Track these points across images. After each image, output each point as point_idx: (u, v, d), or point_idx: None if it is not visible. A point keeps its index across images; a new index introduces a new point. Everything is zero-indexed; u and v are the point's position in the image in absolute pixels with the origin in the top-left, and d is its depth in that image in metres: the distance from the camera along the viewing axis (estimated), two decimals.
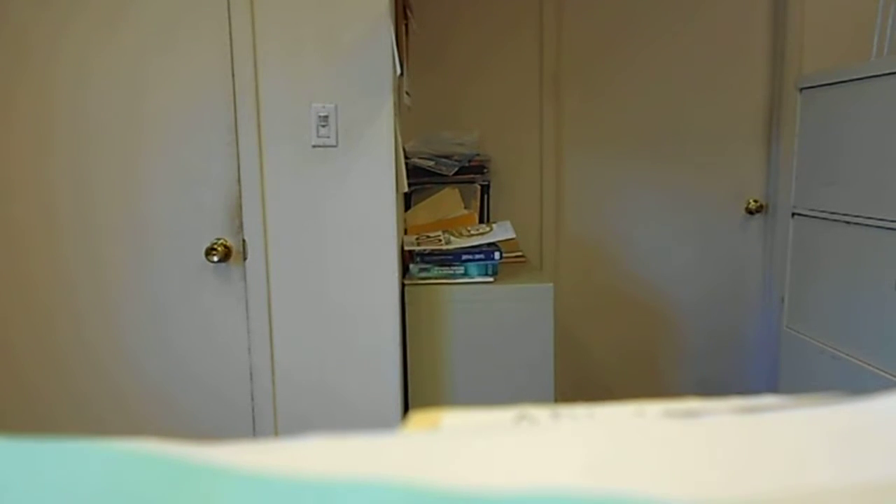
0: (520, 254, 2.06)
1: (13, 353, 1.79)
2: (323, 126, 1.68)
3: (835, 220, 1.92)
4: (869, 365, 1.80)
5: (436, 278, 1.83)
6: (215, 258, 1.71)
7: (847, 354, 1.88)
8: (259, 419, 1.80)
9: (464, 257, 1.83)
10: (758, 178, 2.68)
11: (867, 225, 1.79)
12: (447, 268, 1.83)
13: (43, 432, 1.81)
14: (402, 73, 1.80)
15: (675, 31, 2.56)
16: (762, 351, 2.72)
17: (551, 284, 1.81)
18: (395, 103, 1.71)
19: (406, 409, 1.83)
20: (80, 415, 1.81)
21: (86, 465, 0.15)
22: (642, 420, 0.17)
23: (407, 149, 2.19)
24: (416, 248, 1.86)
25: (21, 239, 1.75)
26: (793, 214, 2.11)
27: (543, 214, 2.59)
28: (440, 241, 1.89)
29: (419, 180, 2.22)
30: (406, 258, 1.89)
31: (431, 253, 1.84)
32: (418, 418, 0.19)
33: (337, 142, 1.69)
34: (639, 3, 2.57)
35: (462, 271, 1.83)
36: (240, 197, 1.72)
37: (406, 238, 1.94)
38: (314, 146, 1.70)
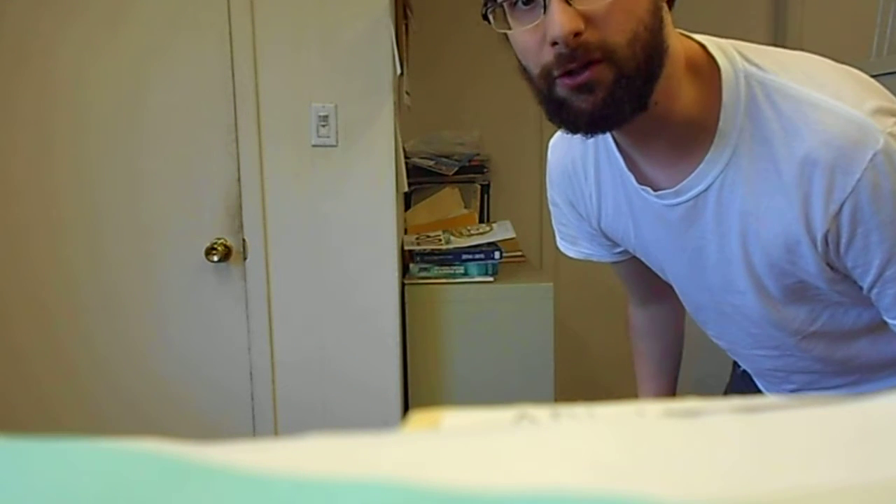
0: (520, 253, 2.06)
1: (17, 351, 1.79)
2: (323, 126, 1.68)
3: None
4: None
5: (436, 278, 1.83)
6: (215, 258, 1.70)
7: None
8: (259, 417, 1.80)
9: (464, 257, 1.83)
10: None
11: None
12: (447, 267, 1.83)
13: (48, 429, 1.81)
14: (402, 73, 1.80)
15: None
16: None
17: (551, 284, 1.81)
18: (395, 103, 1.71)
19: (406, 408, 1.83)
20: (84, 411, 1.81)
21: (83, 465, 0.15)
22: (642, 420, 0.17)
23: (407, 149, 2.19)
24: (416, 248, 1.85)
25: (23, 239, 1.75)
26: None
27: (543, 214, 2.58)
28: (440, 240, 1.89)
29: (419, 180, 2.22)
30: (406, 258, 1.89)
31: (431, 253, 1.84)
32: (418, 418, 0.19)
33: (337, 141, 1.69)
34: None
35: (462, 271, 1.83)
36: (240, 197, 1.72)
37: (406, 238, 1.94)
38: (314, 146, 1.69)
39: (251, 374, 1.79)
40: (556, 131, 0.97)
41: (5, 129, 1.72)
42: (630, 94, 0.64)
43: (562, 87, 0.66)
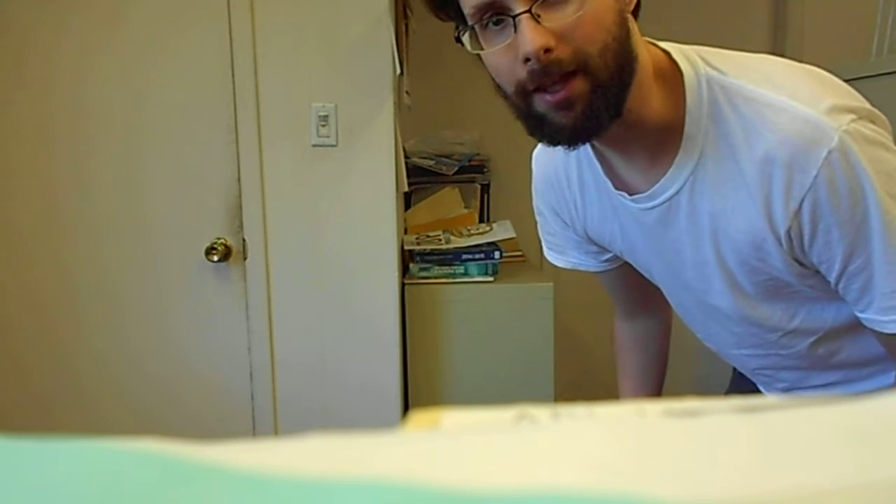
0: (520, 253, 2.06)
1: (17, 352, 1.79)
2: (323, 126, 1.68)
3: None
4: None
5: (436, 278, 1.83)
6: (215, 258, 1.70)
7: None
8: (259, 417, 1.80)
9: (464, 256, 1.83)
10: None
11: None
12: (447, 267, 1.83)
13: (48, 429, 1.81)
14: (402, 73, 1.80)
15: (673, 31, 2.54)
16: None
17: (551, 284, 1.81)
18: (395, 103, 1.71)
19: (406, 408, 1.83)
20: (83, 412, 1.81)
21: (83, 465, 0.15)
22: (643, 420, 0.17)
23: (407, 148, 2.19)
24: (416, 248, 1.85)
25: (22, 239, 1.75)
26: None
27: None
28: (440, 240, 1.89)
29: (419, 180, 2.22)
30: (406, 258, 1.89)
31: (431, 252, 1.84)
32: (418, 418, 0.19)
33: (337, 141, 1.69)
34: None
35: (462, 271, 1.83)
36: (240, 197, 1.72)
37: (406, 238, 1.94)
38: (314, 146, 1.69)
39: (251, 374, 1.79)
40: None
41: (5, 128, 1.72)
42: (606, 103, 0.66)
43: (541, 104, 0.67)
